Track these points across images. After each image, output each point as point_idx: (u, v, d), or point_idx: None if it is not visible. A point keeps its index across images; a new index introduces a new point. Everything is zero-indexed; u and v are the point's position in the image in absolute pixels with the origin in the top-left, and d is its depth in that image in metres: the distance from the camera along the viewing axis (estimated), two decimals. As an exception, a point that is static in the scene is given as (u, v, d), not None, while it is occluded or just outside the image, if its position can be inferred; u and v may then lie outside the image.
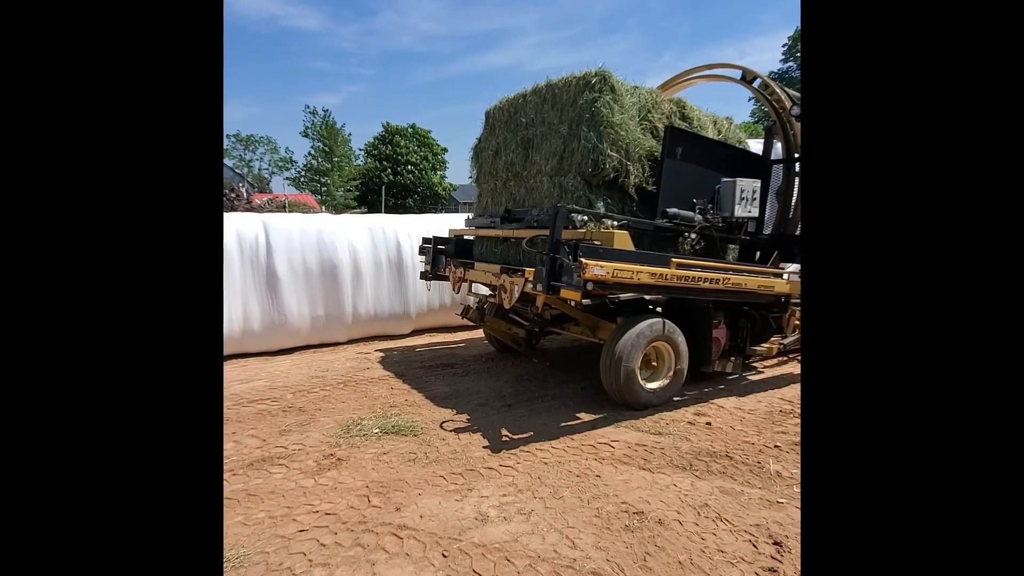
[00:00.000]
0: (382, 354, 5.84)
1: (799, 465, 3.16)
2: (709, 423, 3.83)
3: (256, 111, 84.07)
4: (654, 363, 4.19)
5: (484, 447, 3.39)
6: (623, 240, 3.78)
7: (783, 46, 37.59)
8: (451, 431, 3.64)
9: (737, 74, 5.35)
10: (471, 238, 5.32)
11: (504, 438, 3.53)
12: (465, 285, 5.01)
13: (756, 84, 5.26)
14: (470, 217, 5.56)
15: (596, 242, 3.70)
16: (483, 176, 5.27)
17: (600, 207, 3.99)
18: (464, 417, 3.92)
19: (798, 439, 3.55)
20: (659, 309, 4.53)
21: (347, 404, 4.20)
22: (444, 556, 2.27)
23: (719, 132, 4.91)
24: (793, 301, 5.09)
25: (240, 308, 5.48)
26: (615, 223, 3.85)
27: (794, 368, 5.53)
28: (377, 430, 3.63)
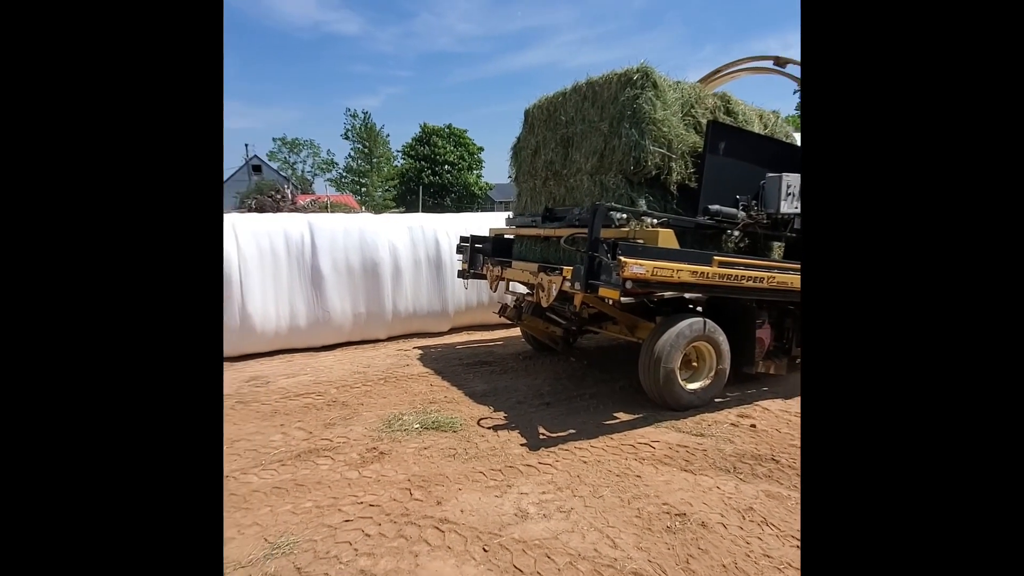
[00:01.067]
0: (421, 351, 5.94)
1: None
2: (754, 425, 3.73)
3: (299, 115, 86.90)
4: (694, 363, 4.11)
5: (523, 444, 3.40)
6: (668, 238, 3.71)
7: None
8: (490, 428, 3.67)
9: (772, 64, 5.17)
10: (510, 237, 5.34)
11: (543, 436, 3.54)
12: (502, 284, 5.04)
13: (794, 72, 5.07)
14: (510, 216, 5.58)
15: (639, 241, 3.65)
16: (522, 175, 5.28)
17: (642, 205, 3.93)
18: (502, 414, 3.94)
19: (849, 444, 3.41)
20: (699, 308, 4.43)
21: (388, 399, 4.30)
22: (485, 550, 2.30)
23: (765, 126, 4.76)
24: None
25: (287, 305, 5.69)
26: (655, 221, 3.79)
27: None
28: (417, 425, 3.70)
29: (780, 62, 5.05)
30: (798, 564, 2.21)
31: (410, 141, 37.46)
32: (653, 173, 3.97)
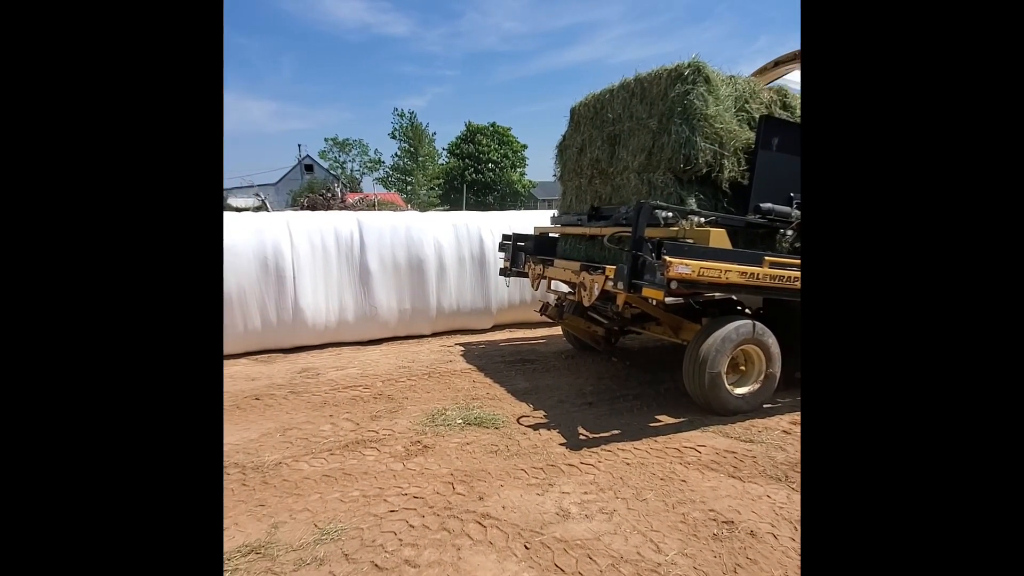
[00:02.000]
0: (464, 347, 6.01)
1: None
2: (807, 434, 3.57)
3: (349, 116, 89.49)
4: (742, 367, 3.97)
5: (564, 443, 3.39)
6: (720, 238, 3.60)
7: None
8: (531, 426, 3.68)
9: None
10: (555, 236, 5.32)
11: (585, 436, 3.51)
12: (544, 282, 5.03)
13: None
14: (555, 215, 5.56)
15: (689, 240, 3.56)
16: (567, 173, 5.24)
17: (691, 203, 3.83)
18: (544, 413, 3.94)
19: (913, 458, 3.22)
20: (747, 310, 4.28)
21: (432, 394, 4.37)
22: (526, 548, 2.30)
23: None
24: None
25: (336, 300, 5.87)
26: (702, 219, 3.68)
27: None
28: (460, 421, 3.74)
29: None
30: (855, 581, 2.10)
31: (455, 140, 37.92)
32: (704, 171, 3.86)
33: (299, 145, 44.10)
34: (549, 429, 3.62)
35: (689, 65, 3.83)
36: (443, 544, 2.34)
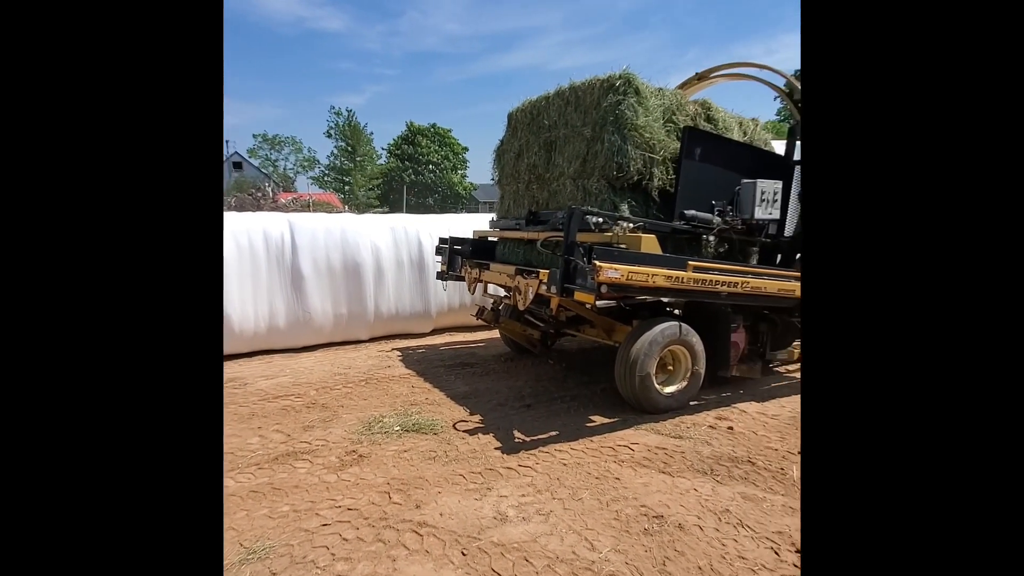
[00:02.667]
0: (403, 352, 5.91)
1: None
2: (731, 428, 3.79)
3: (282, 112, 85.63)
4: (670, 367, 4.15)
5: (503, 447, 3.41)
6: (650, 244, 3.75)
7: (811, 44, 36.81)
8: (471, 430, 3.67)
9: (758, 72, 5.25)
10: (493, 239, 5.35)
11: (523, 438, 3.55)
12: (481, 286, 5.04)
13: (779, 83, 5.16)
14: (494, 219, 5.59)
15: (622, 245, 3.68)
16: (505, 178, 5.28)
17: (624, 209, 3.97)
18: (483, 416, 3.94)
19: (822, 446, 3.49)
20: (677, 311, 4.48)
21: (369, 401, 4.27)
22: (463, 554, 2.30)
23: (745, 133, 4.84)
24: None
25: (266, 305, 5.61)
26: (631, 225, 3.81)
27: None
28: (398, 428, 3.68)
29: (760, 68, 5.13)
30: (772, 566, 2.25)
31: (395, 140, 37.26)
32: (635, 179, 4.01)
33: (227, 141, 41.74)
34: (488, 433, 3.63)
35: (620, 76, 3.97)
36: (378, 556, 2.29)
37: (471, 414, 4.00)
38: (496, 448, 3.39)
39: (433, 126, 37.98)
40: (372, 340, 6.41)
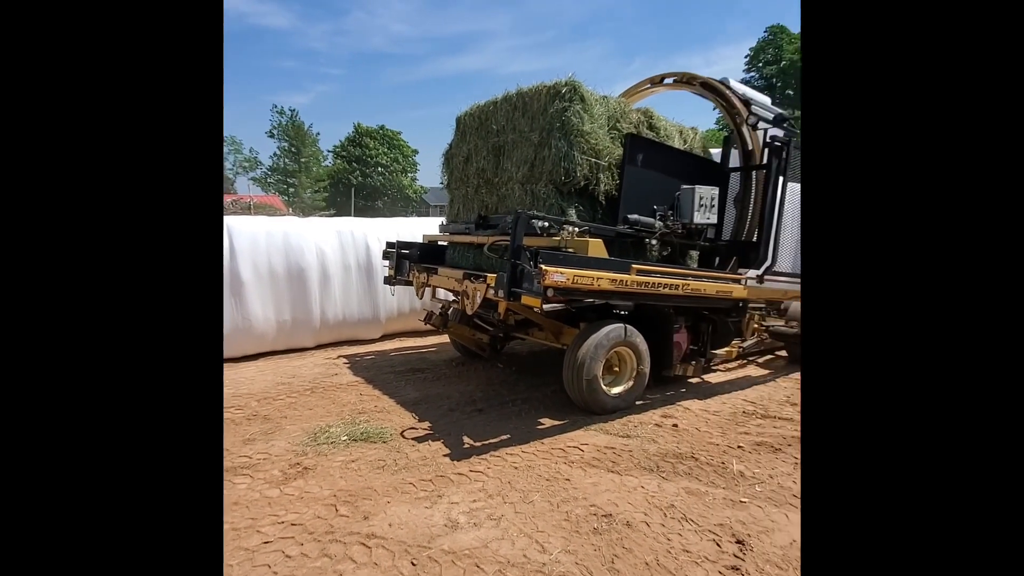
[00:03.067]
0: (351, 359, 5.75)
1: (761, 465, 3.27)
2: (676, 425, 3.92)
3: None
4: (616, 368, 4.24)
5: (454, 453, 3.38)
6: (597, 248, 3.83)
7: (745, 56, 38.85)
8: (421, 437, 3.62)
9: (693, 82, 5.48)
10: (443, 244, 5.31)
11: (474, 443, 3.54)
12: (429, 290, 4.99)
13: (715, 93, 5.40)
14: (443, 223, 5.55)
15: (570, 250, 3.74)
16: (454, 182, 5.26)
17: (572, 214, 4.04)
18: (434, 423, 3.90)
19: (760, 439, 3.67)
20: (624, 313, 4.61)
21: (314, 411, 4.13)
22: (413, 564, 2.26)
23: (685, 141, 5.04)
24: (751, 305, 5.24)
25: (202, 313, 5.32)
26: (576, 229, 3.87)
27: (754, 371, 5.71)
28: (345, 437, 3.58)
29: (694, 79, 5.36)
30: (714, 557, 2.34)
31: (342, 141, 36.36)
32: (582, 184, 4.09)
33: (158, 139, 39.21)
34: (439, 439, 3.59)
35: (566, 84, 4.05)
36: (324, 572, 2.21)
37: (421, 421, 3.95)
38: (447, 454, 3.36)
39: (381, 128, 37.32)
40: (319, 347, 6.21)
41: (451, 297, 5.48)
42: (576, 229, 3.86)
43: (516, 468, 3.18)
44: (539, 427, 3.85)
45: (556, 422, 3.93)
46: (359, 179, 34.77)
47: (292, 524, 2.55)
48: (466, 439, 3.60)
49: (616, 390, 4.15)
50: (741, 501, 2.83)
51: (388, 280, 5.35)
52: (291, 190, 35.24)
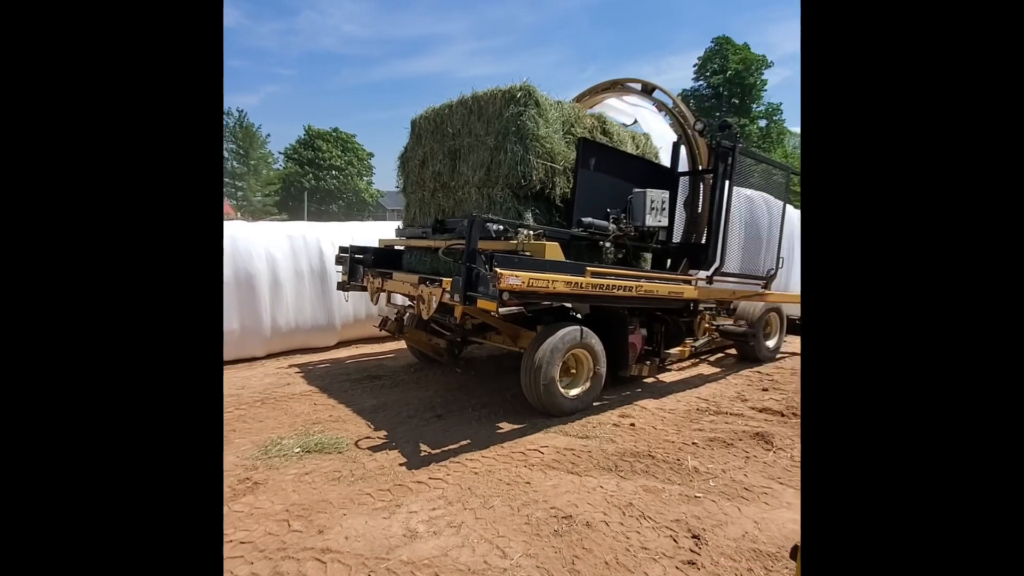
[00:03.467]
0: (305, 368, 5.57)
1: (714, 460, 3.37)
2: (633, 424, 3.99)
3: (161, 109, 77.60)
4: (573, 370, 4.28)
5: (413, 460, 3.32)
6: (554, 251, 3.85)
7: (694, 65, 40.29)
8: (378, 446, 3.54)
9: (641, 88, 5.64)
10: (400, 248, 5.23)
11: (434, 450, 3.49)
12: (384, 295, 4.91)
13: (667, 102, 5.59)
14: (400, 227, 5.47)
15: (527, 253, 3.75)
16: (410, 186, 5.20)
17: (528, 218, 4.06)
18: (392, 431, 3.82)
19: (714, 435, 3.78)
20: (579, 316, 4.66)
21: (265, 423, 3.97)
22: (371, 577, 2.20)
23: (637, 147, 5.17)
24: (703, 306, 5.42)
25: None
26: (531, 232, 3.89)
27: (705, 369, 5.90)
28: (298, 449, 3.46)
29: (647, 87, 5.52)
30: (671, 553, 2.39)
31: (293, 144, 35.31)
32: (538, 188, 4.12)
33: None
34: (397, 447, 3.52)
35: (521, 88, 4.07)
36: (276, 591, 2.12)
37: (379, 429, 3.86)
38: (405, 463, 3.29)
39: (335, 130, 36.49)
40: (269, 356, 5.98)
41: (407, 302, 5.40)
42: (532, 232, 3.88)
43: (476, 473, 3.15)
44: (499, 431, 3.83)
45: (516, 426, 3.93)
46: (312, 182, 33.85)
47: (241, 543, 2.43)
48: (425, 446, 3.55)
49: (574, 392, 4.18)
50: (696, 496, 2.91)
51: (342, 286, 5.22)
52: (239, 193, 33.88)
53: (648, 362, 4.80)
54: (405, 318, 5.36)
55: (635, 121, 5.92)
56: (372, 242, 5.64)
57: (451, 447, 3.53)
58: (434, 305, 3.71)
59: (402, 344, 6.46)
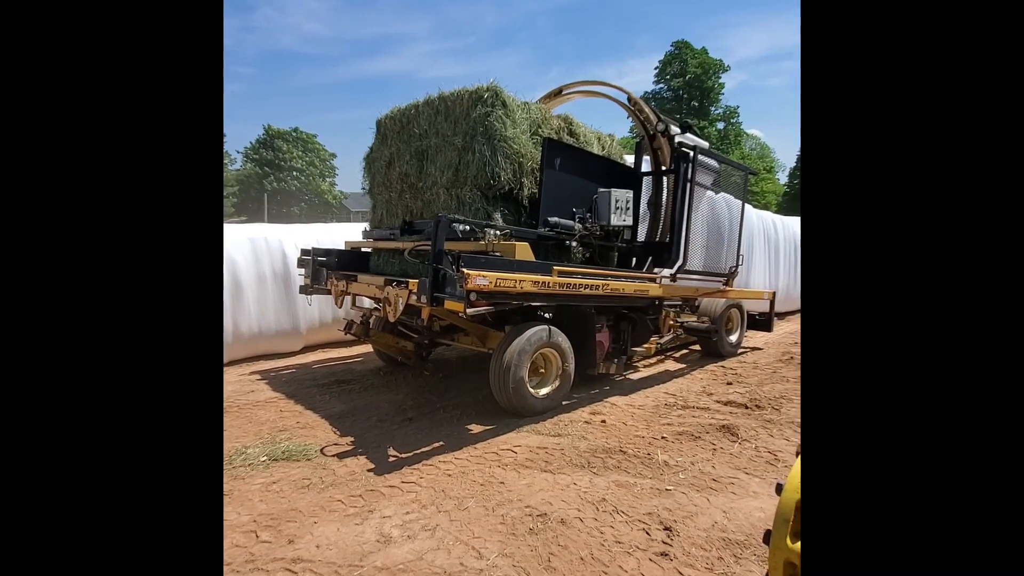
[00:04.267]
0: (269, 374, 5.42)
1: (683, 453, 3.46)
2: (604, 421, 4.05)
3: (108, 107, 74.00)
4: (542, 370, 4.28)
5: (385, 465, 3.27)
6: (524, 251, 3.86)
7: (655, 68, 41.19)
8: (349, 451, 3.47)
9: (612, 92, 5.73)
10: (367, 250, 5.14)
11: (405, 454, 3.45)
12: (349, 299, 4.81)
13: (627, 101, 5.67)
14: (367, 229, 5.38)
15: (497, 253, 3.75)
16: (377, 187, 5.13)
17: (497, 218, 4.06)
18: (362, 435, 3.76)
19: (682, 429, 3.88)
20: (548, 315, 4.68)
21: (229, 432, 3.84)
22: (345, 585, 2.15)
23: (603, 148, 5.24)
24: (667, 303, 5.54)
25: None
26: (497, 232, 3.88)
27: (671, 365, 6.04)
28: (265, 458, 3.36)
29: (632, 100, 5.60)
30: (644, 546, 2.44)
31: (251, 144, 34.26)
32: (506, 188, 4.13)
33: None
34: (367, 452, 3.46)
35: (488, 89, 4.08)
36: (245, 604, 2.05)
37: (348, 434, 3.79)
38: (376, 467, 3.24)
39: (295, 130, 35.61)
40: (232, 363, 5.79)
41: (373, 305, 5.32)
42: (499, 232, 3.87)
43: (450, 476, 3.14)
44: (471, 432, 3.82)
45: (488, 426, 3.92)
46: (272, 184, 32.94)
47: (207, 556, 2.34)
48: (396, 450, 3.50)
49: (543, 391, 4.20)
50: (667, 489, 2.98)
51: (304, 289, 5.09)
52: (195, 196, 32.62)
53: (616, 360, 4.87)
54: (371, 321, 5.28)
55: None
56: (337, 244, 5.54)
57: (423, 450, 3.50)
58: (401, 307, 3.66)
59: (370, 348, 6.37)
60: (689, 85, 39.03)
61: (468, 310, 3.47)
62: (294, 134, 35.40)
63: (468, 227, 3.84)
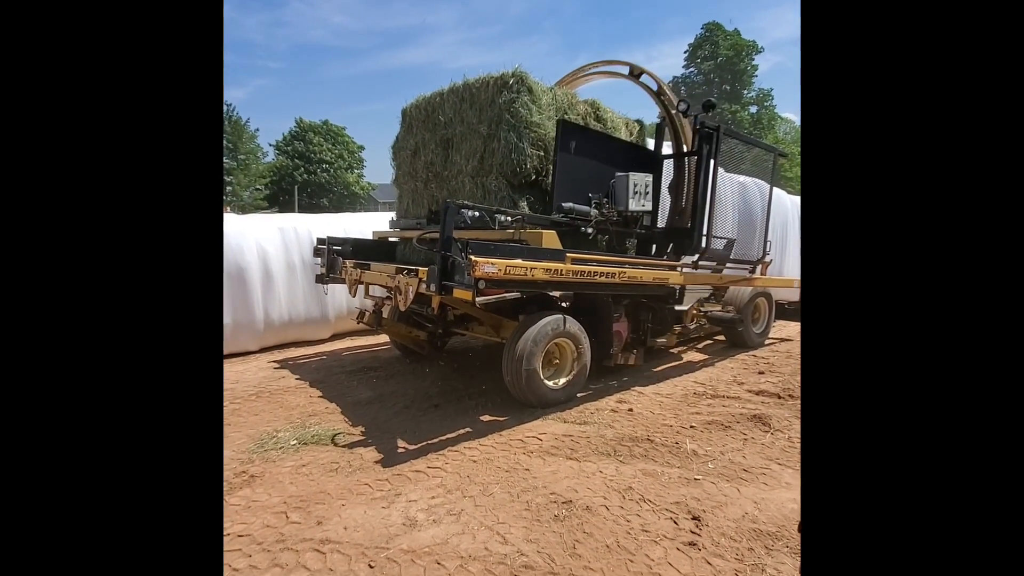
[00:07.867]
0: (299, 361, 5.54)
1: (712, 443, 3.38)
2: (631, 409, 3.99)
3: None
4: (556, 361, 4.16)
5: (411, 450, 3.31)
6: (551, 239, 3.76)
7: (684, 52, 40.15)
8: (376, 436, 3.52)
9: (627, 70, 5.54)
10: (395, 239, 5.17)
11: (432, 439, 3.47)
12: (363, 288, 4.82)
13: (645, 81, 5.47)
14: (394, 219, 5.40)
15: (524, 241, 3.69)
16: (402, 176, 5.14)
17: (524, 206, 4.01)
18: (390, 421, 3.80)
19: (711, 419, 3.80)
20: (564, 304, 4.56)
21: (260, 417, 3.94)
22: (371, 567, 2.18)
23: (631, 134, 5.12)
24: (689, 291, 5.34)
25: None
26: (508, 219, 3.77)
27: (696, 356, 5.91)
28: (295, 441, 3.43)
29: (635, 71, 5.41)
30: (672, 535, 2.40)
31: (284, 137, 34.93)
32: (532, 176, 4.07)
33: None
34: (395, 437, 3.50)
35: (513, 75, 4.02)
36: (276, 582, 2.10)
37: (375, 420, 3.84)
38: (403, 452, 3.28)
39: (325, 123, 36.11)
40: (263, 350, 5.94)
41: (385, 294, 5.34)
42: (509, 219, 3.76)
43: (475, 462, 3.14)
44: (497, 420, 3.82)
45: (513, 414, 3.92)
46: (303, 176, 33.54)
47: (239, 536, 2.41)
48: (422, 436, 3.53)
49: (557, 382, 4.09)
50: (695, 479, 2.92)
51: (320, 278, 5.12)
52: (229, 188, 33.52)
53: (635, 351, 4.75)
54: (384, 310, 5.28)
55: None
56: (364, 234, 5.59)
57: (449, 436, 3.52)
58: (411, 296, 3.60)
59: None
60: (720, 68, 37.92)
61: (477, 299, 3.38)
62: (324, 126, 35.89)
63: (477, 213, 3.73)
